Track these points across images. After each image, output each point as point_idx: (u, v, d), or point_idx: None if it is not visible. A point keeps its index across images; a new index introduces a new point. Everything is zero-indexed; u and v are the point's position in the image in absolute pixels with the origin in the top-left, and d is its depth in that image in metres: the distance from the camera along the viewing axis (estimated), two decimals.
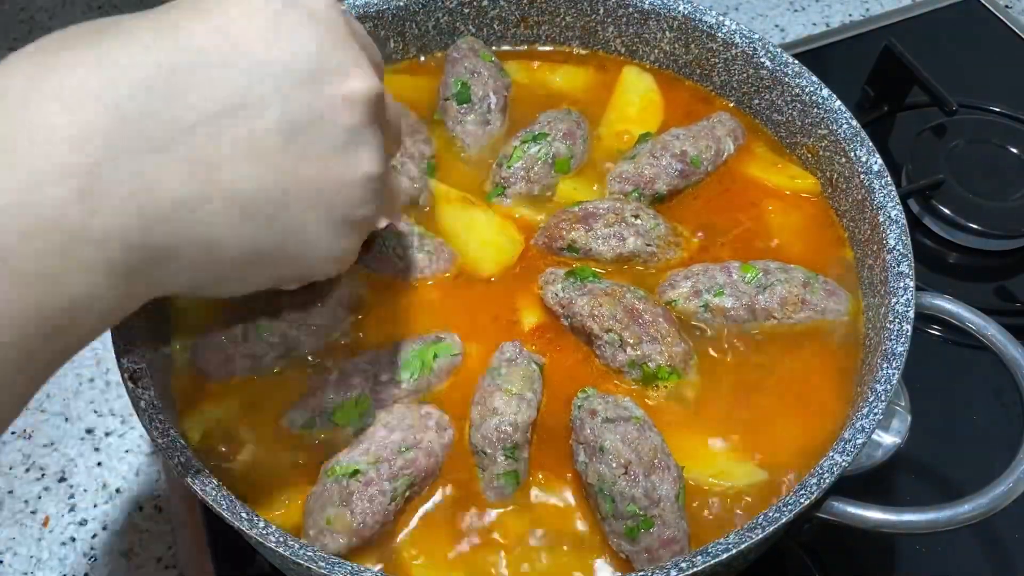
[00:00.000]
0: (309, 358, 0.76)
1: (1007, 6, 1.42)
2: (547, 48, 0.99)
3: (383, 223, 0.64)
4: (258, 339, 0.74)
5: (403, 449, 0.69)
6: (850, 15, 1.41)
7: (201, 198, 0.48)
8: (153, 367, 0.71)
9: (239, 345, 0.74)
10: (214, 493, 0.63)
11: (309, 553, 0.61)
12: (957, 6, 1.38)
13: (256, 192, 0.50)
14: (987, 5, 1.38)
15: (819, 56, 1.29)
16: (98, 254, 0.45)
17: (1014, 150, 1.14)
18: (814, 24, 1.40)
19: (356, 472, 0.67)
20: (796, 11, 1.42)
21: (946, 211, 1.08)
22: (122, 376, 0.68)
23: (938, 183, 1.10)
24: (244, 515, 0.63)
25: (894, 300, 0.73)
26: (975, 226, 1.07)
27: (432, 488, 0.70)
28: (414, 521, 0.69)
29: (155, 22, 0.49)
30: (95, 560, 0.89)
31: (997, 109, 1.21)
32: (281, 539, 0.61)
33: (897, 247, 0.76)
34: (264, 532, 0.62)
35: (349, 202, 0.55)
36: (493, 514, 0.70)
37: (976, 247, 1.09)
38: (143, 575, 0.89)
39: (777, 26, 1.40)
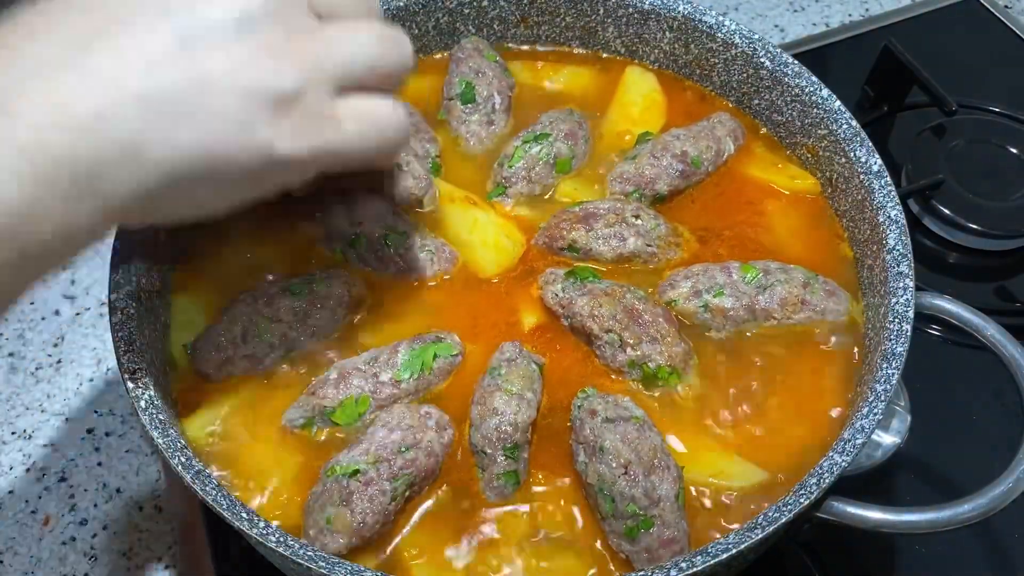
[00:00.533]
0: (309, 358, 0.76)
1: (1007, 6, 1.42)
2: (547, 48, 1.00)
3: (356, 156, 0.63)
4: (258, 339, 0.74)
5: (403, 449, 0.69)
6: (850, 15, 1.41)
7: (114, 105, 0.50)
8: (153, 367, 0.71)
9: (239, 346, 0.74)
10: (214, 493, 0.63)
11: (309, 553, 0.61)
12: (957, 6, 1.38)
13: (163, 91, 0.52)
14: (987, 5, 1.38)
15: (819, 56, 1.30)
16: (28, 167, 0.48)
17: (1014, 150, 1.15)
18: (814, 24, 1.40)
19: (356, 472, 0.67)
20: (796, 11, 1.42)
21: (946, 211, 1.09)
22: (122, 376, 0.68)
23: (938, 183, 1.10)
24: (244, 515, 0.63)
25: (894, 300, 0.73)
26: (975, 226, 1.08)
27: (432, 488, 0.70)
28: (414, 521, 0.69)
29: None
30: (95, 560, 0.90)
31: (997, 109, 1.21)
32: (281, 539, 0.61)
33: (897, 247, 0.76)
34: (264, 532, 0.62)
35: (258, 79, 0.55)
36: (493, 514, 0.70)
37: (976, 247, 1.09)
38: (143, 575, 0.89)
39: (777, 26, 1.40)
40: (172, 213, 0.58)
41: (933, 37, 1.33)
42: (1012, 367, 0.72)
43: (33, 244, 0.50)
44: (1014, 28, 1.35)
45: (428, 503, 0.70)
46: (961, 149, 1.14)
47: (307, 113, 0.57)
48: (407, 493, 0.68)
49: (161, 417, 0.67)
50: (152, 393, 0.68)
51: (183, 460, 0.65)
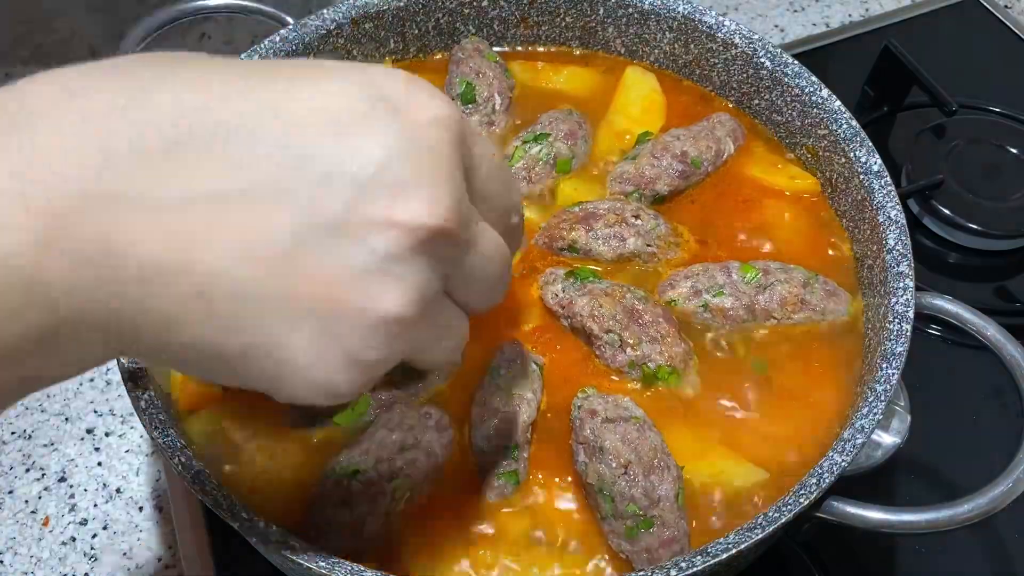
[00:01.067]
0: None
1: (1007, 6, 1.42)
2: (547, 49, 0.99)
3: (427, 365, 0.55)
4: None
5: (403, 449, 0.69)
6: (850, 15, 1.41)
7: (170, 273, 0.41)
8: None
9: None
10: (214, 493, 0.63)
11: (309, 553, 0.61)
12: (957, 6, 1.38)
13: (234, 291, 0.42)
14: (987, 5, 1.38)
15: (819, 56, 1.29)
16: (45, 300, 0.39)
17: (1014, 150, 1.14)
18: (814, 24, 1.40)
19: (356, 472, 0.67)
20: (796, 11, 1.42)
21: (946, 211, 1.08)
22: (122, 376, 0.68)
23: (938, 183, 1.10)
24: (244, 515, 0.63)
25: (894, 300, 0.73)
26: (975, 226, 1.07)
27: (432, 488, 0.70)
28: (414, 521, 0.69)
29: (226, 69, 0.43)
30: (95, 560, 0.89)
31: (997, 109, 1.21)
32: (281, 539, 0.61)
33: (897, 247, 0.76)
34: (264, 532, 0.62)
35: (355, 339, 0.45)
36: (493, 514, 0.70)
37: (976, 247, 1.09)
38: (143, 575, 0.89)
39: (777, 26, 1.40)
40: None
41: (933, 37, 1.32)
42: (1012, 367, 0.72)
43: (40, 375, 0.43)
44: (1014, 28, 1.35)
45: (428, 503, 0.70)
46: (961, 149, 1.14)
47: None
48: (407, 494, 0.68)
49: (161, 417, 0.67)
50: (152, 393, 0.68)
51: (183, 460, 0.65)
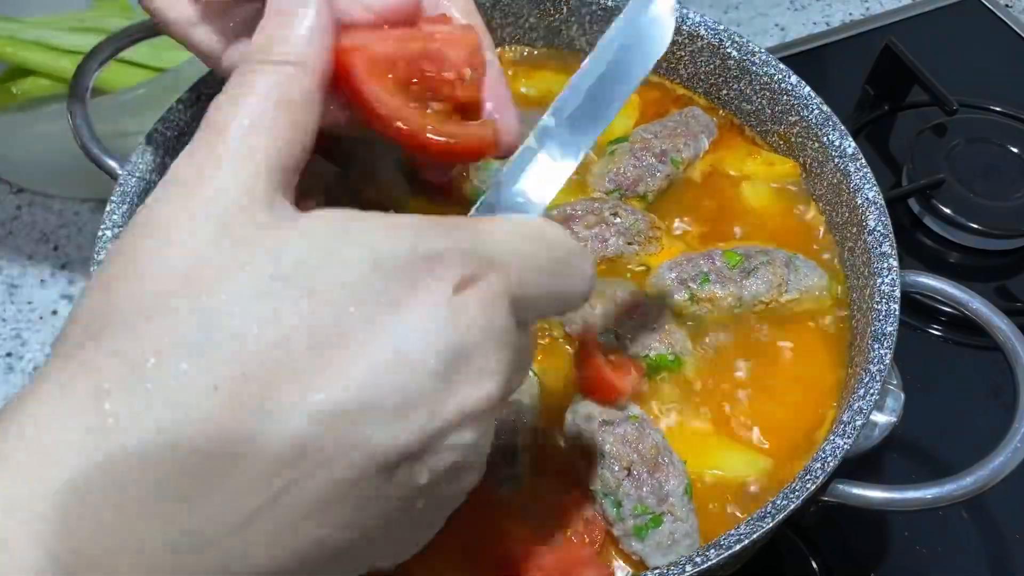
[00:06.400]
0: None
1: (1007, 5, 1.43)
2: (512, 50, 0.99)
3: None
4: None
5: None
6: (850, 14, 1.42)
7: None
8: None
9: None
10: None
11: None
12: (957, 6, 1.39)
13: (328, 544, 0.39)
14: (987, 5, 1.39)
15: (819, 55, 1.30)
16: None
17: (1014, 150, 1.16)
18: (814, 23, 1.41)
19: None
20: (796, 10, 1.43)
21: (946, 211, 1.09)
22: None
23: (938, 183, 1.10)
24: None
25: (879, 280, 0.74)
26: (975, 226, 1.08)
27: None
28: None
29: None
30: None
31: (997, 109, 1.21)
32: None
33: (878, 228, 0.77)
34: None
35: (439, 518, 0.46)
36: (494, 520, 0.69)
37: (976, 247, 1.10)
38: None
39: (777, 25, 1.40)
40: None
41: (934, 36, 1.34)
42: (997, 335, 0.73)
43: None
44: (1015, 28, 1.37)
45: None
46: (961, 149, 1.15)
47: None
48: None
49: None
50: None
51: None
